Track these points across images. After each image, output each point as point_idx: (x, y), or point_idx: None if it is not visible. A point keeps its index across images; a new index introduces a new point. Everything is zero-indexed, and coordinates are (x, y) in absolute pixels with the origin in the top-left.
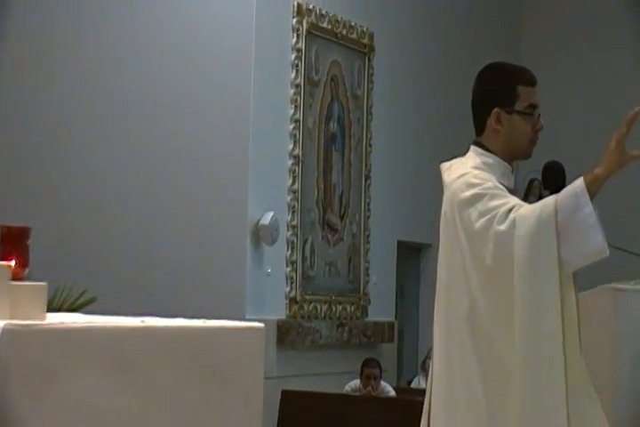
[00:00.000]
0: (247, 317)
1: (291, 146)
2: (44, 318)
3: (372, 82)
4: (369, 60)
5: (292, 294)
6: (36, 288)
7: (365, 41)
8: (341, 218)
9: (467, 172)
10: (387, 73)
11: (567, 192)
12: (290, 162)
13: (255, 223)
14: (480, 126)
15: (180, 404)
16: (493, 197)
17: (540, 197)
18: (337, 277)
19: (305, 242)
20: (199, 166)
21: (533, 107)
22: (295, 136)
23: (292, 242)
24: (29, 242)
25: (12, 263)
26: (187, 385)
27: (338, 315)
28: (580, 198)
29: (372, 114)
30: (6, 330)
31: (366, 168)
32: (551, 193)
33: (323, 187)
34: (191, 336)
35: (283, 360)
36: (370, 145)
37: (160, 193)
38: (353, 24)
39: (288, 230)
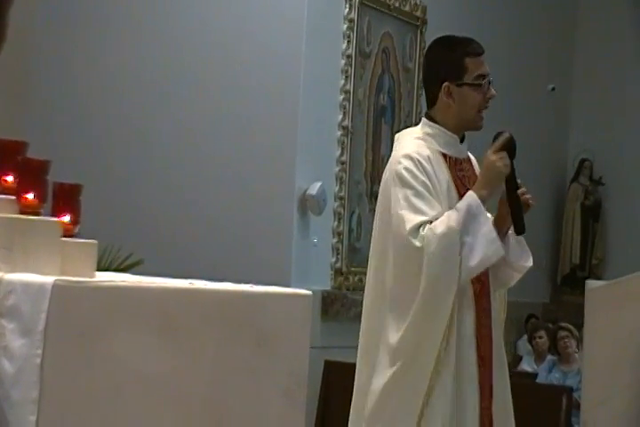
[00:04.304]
0: (292, 286)
1: (340, 117)
2: (93, 276)
3: (423, 55)
4: (421, 33)
5: (338, 265)
6: (87, 246)
7: (418, 14)
8: None
9: (405, 153)
10: None
11: (466, 212)
12: (339, 133)
13: (302, 193)
14: (431, 99)
15: (224, 368)
16: (414, 207)
17: (591, 178)
18: None
19: (352, 213)
20: (248, 134)
21: (482, 76)
22: (345, 107)
23: (339, 213)
24: (81, 199)
25: (64, 220)
26: (231, 349)
27: None
28: (479, 217)
29: (422, 88)
30: (56, 286)
31: None
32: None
33: (371, 159)
34: (238, 300)
35: (326, 331)
36: (419, 119)
37: (208, 159)
38: None
39: (335, 201)
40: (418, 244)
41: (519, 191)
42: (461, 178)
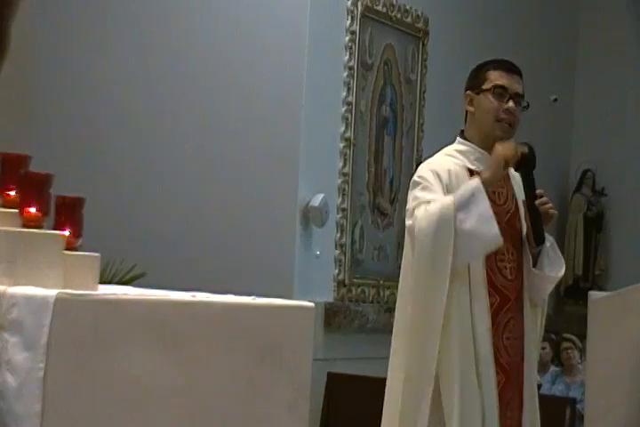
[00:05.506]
0: (295, 298)
1: (342, 129)
2: (96, 289)
3: (425, 67)
4: (423, 44)
5: (341, 276)
6: (90, 259)
7: (420, 25)
8: (391, 203)
9: (424, 165)
10: (441, 58)
11: (465, 191)
12: (341, 145)
13: (305, 205)
14: (465, 115)
15: (227, 380)
16: (417, 198)
17: (594, 188)
18: (386, 261)
19: (355, 225)
20: (250, 146)
21: (501, 87)
22: (347, 119)
23: (342, 225)
24: (83, 212)
25: (66, 233)
26: (234, 361)
27: (386, 299)
28: (478, 195)
29: (424, 99)
30: (59, 299)
31: (417, 153)
32: (521, 175)
33: (374, 171)
34: (241, 313)
35: (329, 343)
36: (422, 130)
37: (211, 171)
38: (408, 8)
39: (338, 213)
40: (409, 222)
41: (539, 201)
42: (489, 194)
